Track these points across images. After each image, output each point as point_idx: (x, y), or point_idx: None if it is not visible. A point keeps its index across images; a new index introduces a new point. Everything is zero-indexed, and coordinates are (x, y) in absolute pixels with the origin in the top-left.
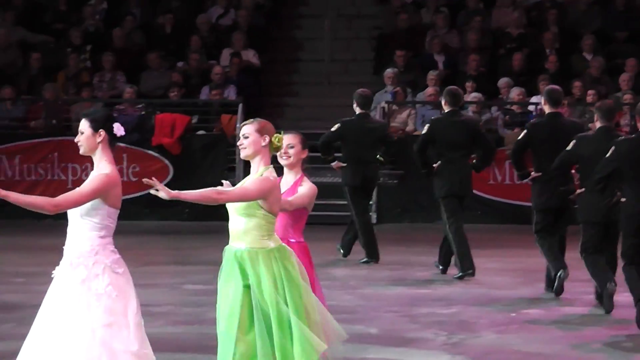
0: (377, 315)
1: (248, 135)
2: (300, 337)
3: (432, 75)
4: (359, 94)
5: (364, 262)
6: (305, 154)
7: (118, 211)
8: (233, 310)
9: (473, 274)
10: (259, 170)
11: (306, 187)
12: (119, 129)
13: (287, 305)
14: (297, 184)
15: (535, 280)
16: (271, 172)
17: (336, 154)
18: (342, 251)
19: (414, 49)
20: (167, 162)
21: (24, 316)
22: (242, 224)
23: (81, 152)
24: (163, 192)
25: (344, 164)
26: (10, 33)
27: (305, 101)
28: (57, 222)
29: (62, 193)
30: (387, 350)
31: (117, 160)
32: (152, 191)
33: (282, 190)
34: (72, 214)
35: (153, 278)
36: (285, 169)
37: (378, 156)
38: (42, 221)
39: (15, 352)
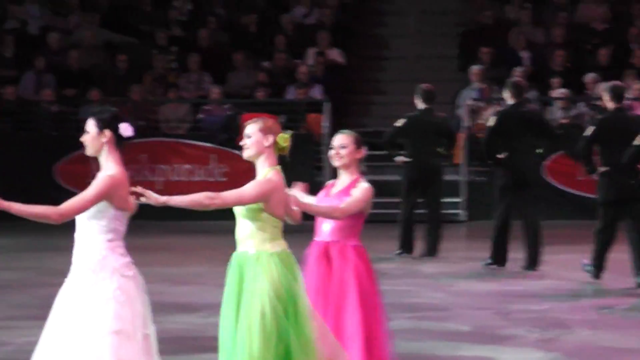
0: (468, 313)
1: (251, 135)
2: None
3: (517, 71)
4: (423, 89)
5: (398, 254)
6: (360, 154)
7: (127, 213)
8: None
9: (499, 265)
10: (264, 172)
11: (359, 191)
12: (125, 129)
13: (285, 313)
14: (351, 186)
15: (627, 275)
16: (276, 174)
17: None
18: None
19: (499, 45)
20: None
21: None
22: (245, 227)
23: (87, 152)
24: (151, 199)
25: (409, 159)
26: (95, 35)
27: (391, 98)
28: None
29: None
30: (479, 347)
31: (205, 161)
32: (143, 199)
33: (337, 191)
34: (79, 217)
35: None
36: (340, 170)
37: (439, 149)
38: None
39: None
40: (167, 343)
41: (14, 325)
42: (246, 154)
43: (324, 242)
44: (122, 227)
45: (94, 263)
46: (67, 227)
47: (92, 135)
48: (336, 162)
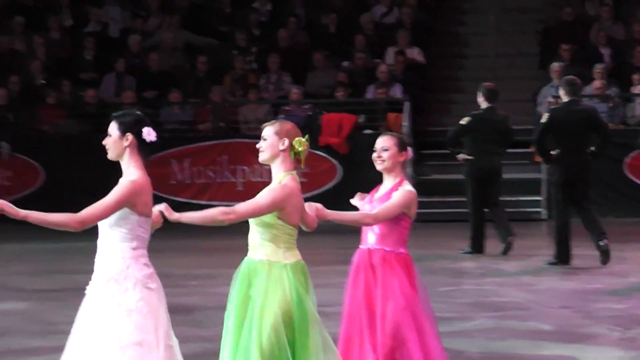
0: (550, 311)
1: (266, 138)
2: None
3: (598, 68)
4: (486, 88)
5: (466, 253)
6: (403, 157)
7: (150, 219)
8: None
9: (563, 263)
10: (279, 177)
11: (398, 195)
12: (149, 134)
13: (292, 329)
14: (392, 190)
15: None
16: (291, 179)
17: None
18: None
19: (579, 42)
20: (335, 161)
21: (200, 319)
22: (258, 235)
23: (109, 156)
24: (166, 215)
25: (470, 157)
26: (176, 37)
27: (472, 97)
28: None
29: (233, 196)
30: (562, 346)
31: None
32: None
33: (379, 196)
34: (101, 224)
35: (325, 278)
36: (383, 174)
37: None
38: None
39: (196, 354)
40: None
41: None
42: (261, 157)
43: (367, 250)
44: (146, 234)
45: (117, 273)
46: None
47: (113, 138)
48: (378, 166)
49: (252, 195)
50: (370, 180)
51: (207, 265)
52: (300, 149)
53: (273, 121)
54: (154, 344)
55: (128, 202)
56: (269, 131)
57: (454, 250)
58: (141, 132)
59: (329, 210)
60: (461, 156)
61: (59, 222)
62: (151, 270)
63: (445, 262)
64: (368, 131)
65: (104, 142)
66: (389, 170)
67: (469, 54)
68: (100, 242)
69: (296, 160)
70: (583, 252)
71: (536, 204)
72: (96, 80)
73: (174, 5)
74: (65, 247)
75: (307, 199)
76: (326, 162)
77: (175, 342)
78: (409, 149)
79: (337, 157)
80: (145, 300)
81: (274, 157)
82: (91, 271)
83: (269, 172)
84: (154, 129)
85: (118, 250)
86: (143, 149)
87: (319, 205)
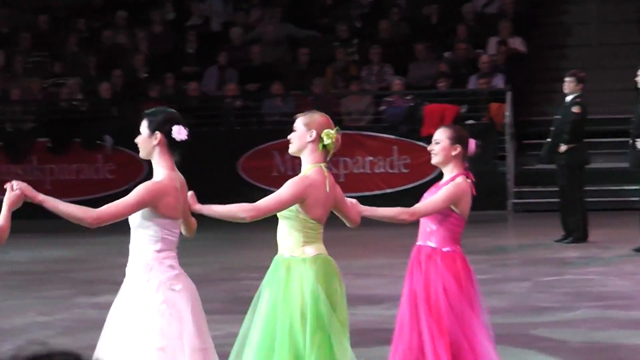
0: None
1: (296, 129)
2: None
3: None
4: (580, 75)
5: (568, 242)
6: (457, 151)
7: (177, 221)
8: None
9: None
10: (305, 169)
11: (443, 190)
12: (179, 132)
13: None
14: (444, 184)
15: None
16: (317, 172)
17: None
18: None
19: None
20: None
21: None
22: (282, 228)
23: (140, 154)
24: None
25: (573, 145)
26: (278, 29)
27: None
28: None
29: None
30: None
31: (387, 152)
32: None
33: (432, 190)
34: (131, 225)
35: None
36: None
37: None
38: None
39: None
40: (350, 335)
41: None
42: (290, 148)
43: (417, 246)
44: (172, 236)
45: (141, 275)
46: (256, 223)
47: (143, 137)
48: (432, 159)
49: (354, 186)
50: (472, 171)
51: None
52: (328, 141)
53: (306, 112)
54: (178, 349)
55: (148, 203)
56: (298, 122)
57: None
58: (171, 130)
59: (364, 206)
60: (563, 147)
61: (74, 214)
62: (176, 271)
63: (547, 251)
64: (470, 122)
65: (135, 140)
66: (442, 163)
67: (571, 44)
68: (130, 243)
69: (325, 152)
70: None
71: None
72: (198, 74)
73: None
74: None
75: (409, 190)
76: (428, 153)
77: (210, 344)
78: (470, 142)
79: None
80: (169, 303)
81: (301, 148)
82: (195, 264)
83: (371, 163)
84: (186, 127)
85: (143, 252)
86: (173, 148)
87: (354, 201)
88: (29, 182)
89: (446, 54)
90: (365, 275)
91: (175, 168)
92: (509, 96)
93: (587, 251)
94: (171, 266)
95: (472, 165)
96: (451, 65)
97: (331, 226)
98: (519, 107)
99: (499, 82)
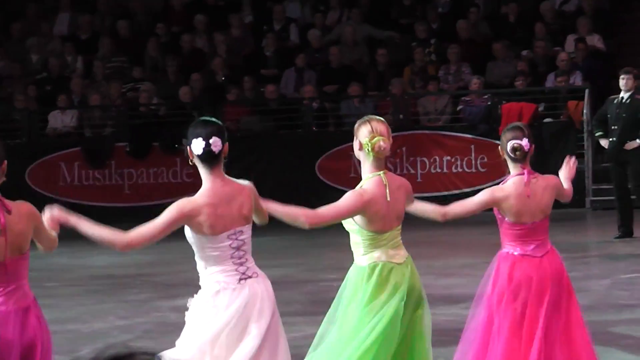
0: None
1: (354, 137)
2: None
3: None
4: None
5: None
6: (502, 154)
7: (221, 235)
8: None
9: None
10: (364, 179)
11: (480, 193)
12: (196, 147)
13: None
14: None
15: None
16: (373, 183)
17: None
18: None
19: None
20: None
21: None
22: (351, 237)
23: None
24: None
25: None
26: (357, 30)
27: None
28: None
29: (412, 187)
30: None
31: (465, 151)
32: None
33: None
34: None
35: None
36: None
37: None
38: None
39: None
40: (432, 335)
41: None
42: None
43: None
44: (217, 251)
45: (198, 292)
46: (333, 227)
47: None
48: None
49: (431, 186)
50: (552, 168)
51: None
52: (369, 149)
53: (362, 119)
54: None
55: (178, 223)
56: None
57: (637, 237)
58: (191, 144)
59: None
60: (635, 144)
61: (106, 239)
62: (220, 287)
63: (627, 248)
64: (548, 120)
65: None
66: (506, 163)
67: None
68: None
69: (378, 159)
70: None
71: None
72: (277, 76)
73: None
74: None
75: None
76: None
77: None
78: (518, 143)
79: None
80: (205, 319)
81: (357, 156)
82: (275, 266)
83: (449, 163)
84: (207, 139)
85: (197, 268)
86: (206, 161)
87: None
88: (108, 187)
89: (524, 53)
90: (448, 275)
91: (223, 176)
92: (587, 94)
93: None
94: (217, 282)
95: (552, 164)
96: (529, 64)
97: (411, 227)
98: (598, 105)
99: (577, 79)
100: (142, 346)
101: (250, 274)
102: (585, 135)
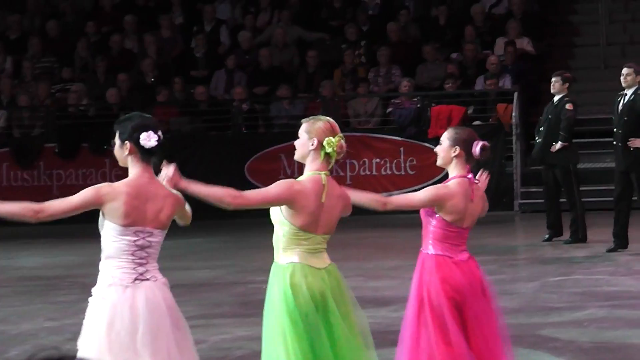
0: None
1: (299, 136)
2: None
3: None
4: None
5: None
6: (457, 153)
7: (130, 228)
8: None
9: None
10: (302, 176)
11: (425, 189)
12: (147, 139)
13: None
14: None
15: None
16: (312, 180)
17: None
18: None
19: None
20: None
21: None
22: (275, 231)
23: (119, 164)
24: (173, 179)
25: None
26: (287, 32)
27: (583, 86)
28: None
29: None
30: None
31: (394, 154)
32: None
33: None
34: None
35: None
36: None
37: None
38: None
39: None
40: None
41: (209, 324)
42: (295, 155)
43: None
44: (120, 242)
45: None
46: (260, 225)
47: (116, 147)
48: (437, 161)
49: (360, 188)
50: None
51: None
52: (329, 149)
53: (310, 117)
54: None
55: (93, 203)
56: (302, 129)
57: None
58: (139, 138)
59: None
60: (558, 146)
61: (15, 212)
62: (112, 282)
63: (555, 251)
64: (478, 123)
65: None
66: (444, 165)
67: (579, 43)
68: None
69: (327, 160)
70: None
71: None
72: (207, 78)
73: (285, 0)
74: (186, 243)
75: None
76: (435, 155)
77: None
78: (474, 145)
79: None
80: (96, 311)
81: (304, 156)
82: (205, 267)
83: (378, 165)
84: (157, 132)
85: (101, 256)
86: (146, 155)
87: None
88: (37, 188)
89: (454, 55)
90: (376, 277)
91: (151, 175)
92: (516, 97)
93: (595, 251)
94: (112, 276)
95: (479, 167)
96: (459, 67)
97: (341, 229)
98: (526, 107)
99: (506, 82)
100: (71, 348)
101: (148, 277)
102: (514, 138)
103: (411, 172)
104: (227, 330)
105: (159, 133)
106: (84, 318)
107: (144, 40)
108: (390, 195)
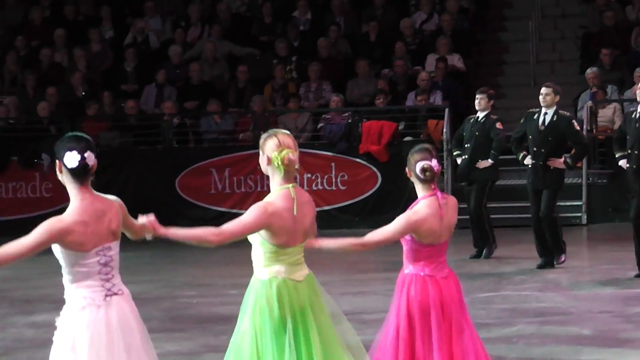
0: (590, 316)
1: (260, 152)
2: None
3: (638, 72)
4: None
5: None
6: (409, 174)
7: (90, 252)
8: None
9: None
10: (272, 192)
11: (397, 220)
12: (69, 160)
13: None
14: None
15: None
16: (280, 197)
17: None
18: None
19: (621, 46)
20: (374, 169)
21: None
22: (253, 248)
23: None
24: (157, 232)
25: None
26: (217, 47)
27: (512, 103)
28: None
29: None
30: (602, 351)
31: (325, 169)
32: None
33: None
34: None
35: (365, 285)
36: None
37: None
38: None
39: None
40: None
41: None
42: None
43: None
44: (83, 267)
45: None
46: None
47: (56, 167)
48: None
49: None
50: (411, 189)
51: (247, 275)
52: (276, 162)
53: (268, 131)
54: None
55: (48, 244)
56: (260, 144)
57: (494, 256)
58: (64, 158)
59: (322, 241)
60: (486, 163)
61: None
62: (86, 303)
63: (484, 267)
64: (408, 138)
65: None
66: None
67: (509, 60)
68: None
69: (287, 173)
70: (623, 256)
71: (577, 209)
72: (137, 92)
73: (215, 16)
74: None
75: (347, 207)
76: (366, 170)
77: None
78: (428, 163)
79: (377, 165)
80: (70, 335)
81: (265, 171)
82: (131, 282)
83: (309, 180)
84: (82, 152)
85: (64, 281)
86: (77, 174)
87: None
88: None
89: (385, 71)
90: None
91: (91, 193)
92: (447, 113)
93: (524, 267)
94: (83, 297)
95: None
96: (389, 82)
97: None
98: (457, 124)
99: (437, 99)
100: None
101: (115, 291)
102: (444, 154)
103: (342, 188)
104: (157, 345)
105: (86, 154)
106: (12, 333)
107: (73, 54)
108: (363, 235)
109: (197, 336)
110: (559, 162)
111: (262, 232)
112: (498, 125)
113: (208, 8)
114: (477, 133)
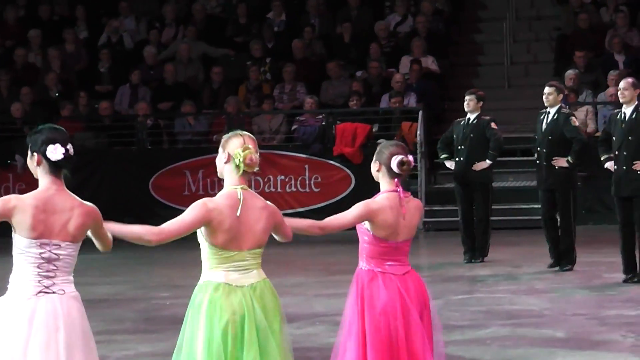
0: (564, 319)
1: (220, 150)
2: None
3: (612, 75)
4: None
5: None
6: (377, 167)
7: (35, 241)
8: None
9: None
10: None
11: (354, 207)
12: (54, 152)
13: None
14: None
15: None
16: (227, 196)
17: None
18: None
19: (595, 49)
20: (348, 171)
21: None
22: (201, 249)
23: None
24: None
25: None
26: (191, 48)
27: (486, 105)
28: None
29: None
30: (575, 353)
31: (299, 171)
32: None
33: None
34: None
35: (339, 287)
36: None
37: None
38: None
39: None
40: None
41: (111, 339)
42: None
43: None
44: (25, 255)
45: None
46: (170, 242)
47: (28, 158)
48: None
49: None
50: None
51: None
52: (237, 162)
53: (230, 133)
54: None
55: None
56: (220, 144)
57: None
58: (46, 151)
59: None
60: (484, 165)
61: None
62: (15, 293)
63: (458, 270)
64: (382, 141)
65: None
66: (376, 179)
67: (484, 62)
68: None
69: (244, 173)
70: (597, 259)
71: None
72: (111, 92)
73: (190, 16)
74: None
75: (321, 209)
76: (340, 172)
77: None
78: (392, 160)
79: (351, 167)
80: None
81: (220, 171)
82: (106, 283)
83: (282, 182)
84: (65, 145)
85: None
86: (54, 168)
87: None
88: None
89: (359, 73)
90: (280, 294)
91: (60, 187)
92: (420, 115)
93: (498, 269)
94: (16, 287)
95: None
96: (364, 84)
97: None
98: (432, 126)
99: (411, 101)
100: None
101: (54, 290)
102: (419, 156)
103: (316, 190)
104: (130, 347)
105: (68, 147)
106: None
107: (48, 54)
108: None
109: (171, 337)
110: (563, 161)
111: (203, 230)
112: (493, 125)
113: (183, 9)
114: (471, 135)
